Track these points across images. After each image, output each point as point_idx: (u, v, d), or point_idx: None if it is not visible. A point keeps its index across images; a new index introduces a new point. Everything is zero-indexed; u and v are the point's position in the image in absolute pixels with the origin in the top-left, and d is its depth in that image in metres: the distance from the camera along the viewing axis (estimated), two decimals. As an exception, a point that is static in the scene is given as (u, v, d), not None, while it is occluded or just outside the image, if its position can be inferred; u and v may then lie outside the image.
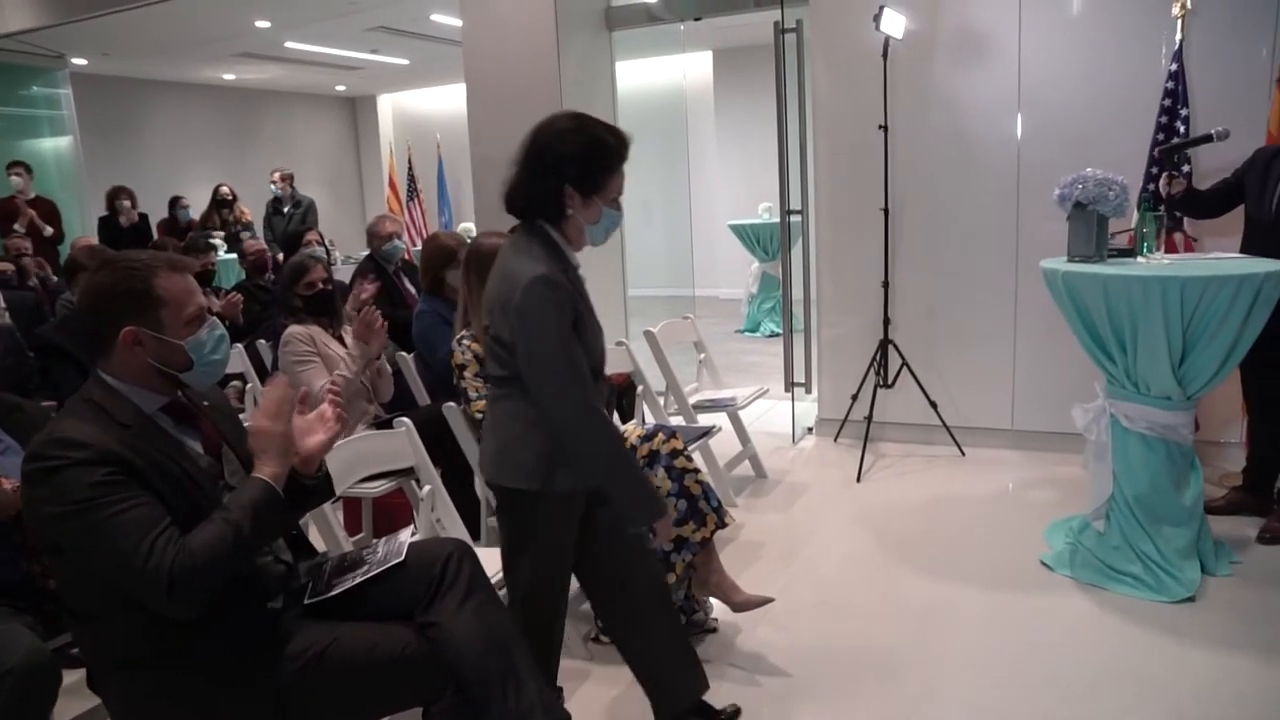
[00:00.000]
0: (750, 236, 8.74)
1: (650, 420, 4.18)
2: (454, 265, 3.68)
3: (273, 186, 8.19)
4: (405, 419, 2.89)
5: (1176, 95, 4.16)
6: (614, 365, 4.02)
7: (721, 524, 2.89)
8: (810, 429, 5.39)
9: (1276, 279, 3.01)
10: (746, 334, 8.90)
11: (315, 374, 3.44)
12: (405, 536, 2.04)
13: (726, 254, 10.08)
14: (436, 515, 2.81)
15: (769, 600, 2.87)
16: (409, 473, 3.03)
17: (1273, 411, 3.75)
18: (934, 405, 4.77)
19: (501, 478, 2.15)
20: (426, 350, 3.86)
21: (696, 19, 6.31)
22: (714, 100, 10.88)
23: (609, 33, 6.28)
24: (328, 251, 7.42)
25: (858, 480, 4.52)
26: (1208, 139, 3.58)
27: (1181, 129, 4.15)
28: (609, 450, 2.07)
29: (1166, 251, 3.79)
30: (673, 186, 8.04)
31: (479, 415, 2.89)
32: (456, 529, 2.79)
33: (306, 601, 1.93)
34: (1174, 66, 4.17)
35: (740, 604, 2.86)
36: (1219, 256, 3.49)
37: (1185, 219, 4.15)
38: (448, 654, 1.86)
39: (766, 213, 8.48)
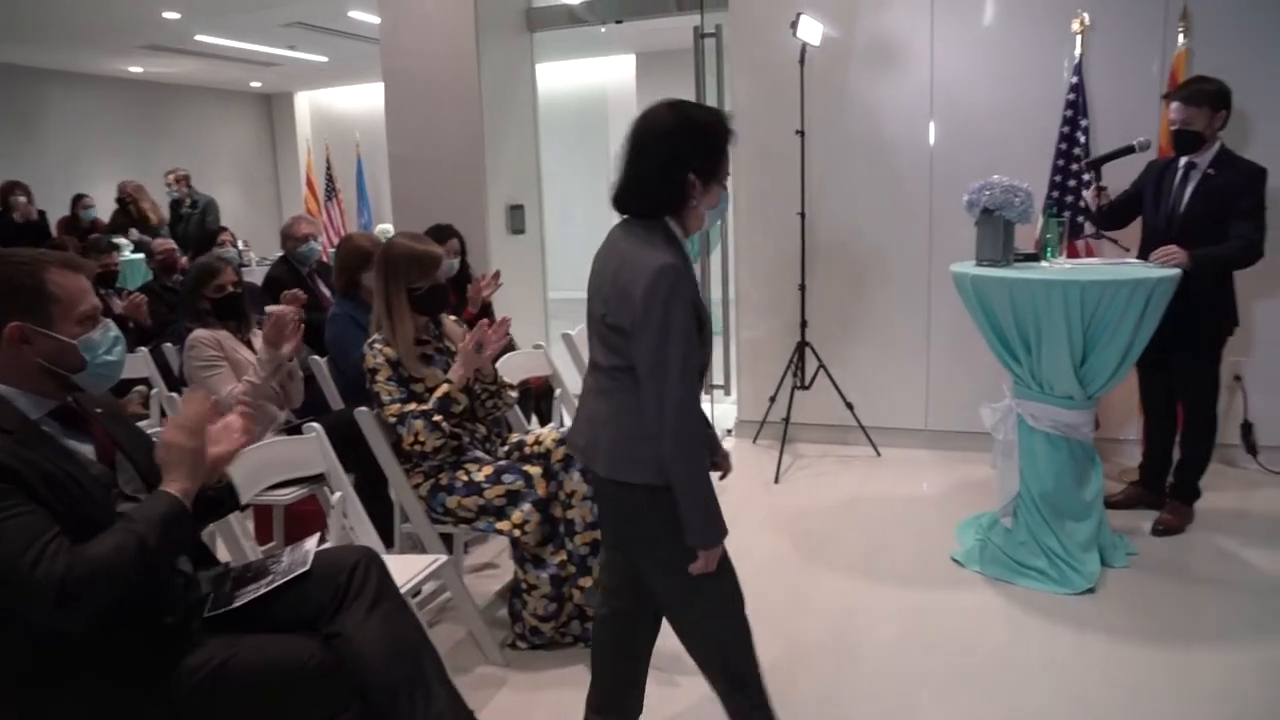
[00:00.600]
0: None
1: (569, 424, 4.16)
2: (369, 267, 3.61)
3: (167, 189, 7.82)
4: (315, 424, 2.82)
5: (1077, 106, 4.31)
6: (531, 369, 3.99)
7: (637, 526, 2.89)
8: (729, 431, 5.43)
9: (1167, 284, 3.15)
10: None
11: (222, 380, 3.34)
12: (311, 545, 1.99)
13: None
14: (349, 523, 2.75)
15: None
16: (321, 479, 2.96)
17: (1164, 410, 3.92)
18: (850, 406, 4.85)
19: (619, 473, 2.01)
20: (340, 354, 3.78)
21: (618, 22, 6.32)
22: (637, 103, 10.89)
23: (530, 34, 6.25)
24: (239, 253, 7.23)
25: (775, 481, 4.57)
26: (1130, 150, 3.71)
27: (1082, 139, 4.30)
28: (699, 458, 1.99)
29: (1069, 256, 3.92)
30: (594, 188, 8.04)
31: (391, 419, 2.84)
32: (368, 536, 2.74)
33: (207, 614, 1.87)
34: (1074, 79, 4.32)
35: None
36: (1117, 262, 3.62)
37: (1086, 224, 4.29)
38: (353, 664, 1.82)
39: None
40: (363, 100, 12.14)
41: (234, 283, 3.61)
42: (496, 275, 4.47)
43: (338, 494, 2.71)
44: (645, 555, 2.08)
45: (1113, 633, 2.99)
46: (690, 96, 5.01)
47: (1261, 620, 3.05)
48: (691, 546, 1.96)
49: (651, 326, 1.87)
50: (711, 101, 5.03)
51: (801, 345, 4.87)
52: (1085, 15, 4.33)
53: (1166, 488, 3.93)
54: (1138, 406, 4.27)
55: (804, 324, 4.88)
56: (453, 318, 3.27)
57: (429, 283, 2.98)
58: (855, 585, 3.41)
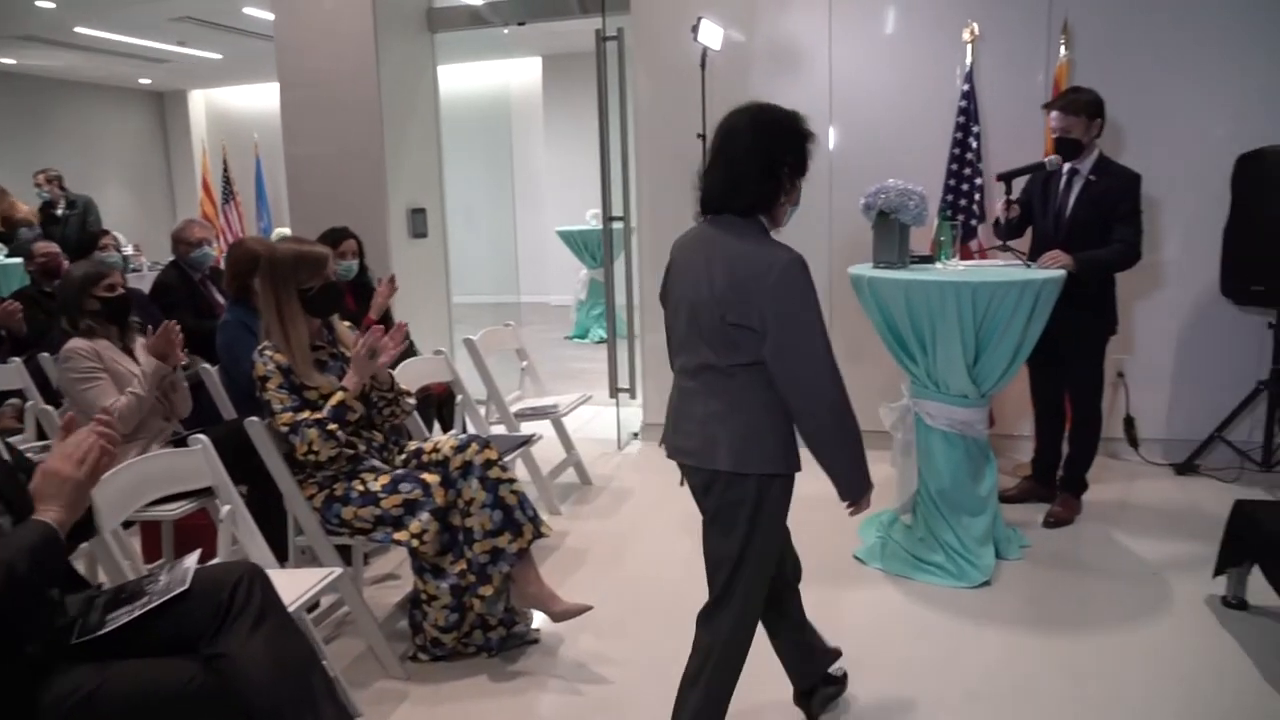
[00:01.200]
0: (579, 243, 8.75)
1: (472, 430, 4.09)
2: (262, 272, 3.49)
3: (37, 189, 7.25)
4: (201, 436, 2.70)
5: (969, 113, 4.43)
6: (432, 375, 3.91)
7: (538, 534, 2.85)
8: (636, 434, 5.43)
9: (1053, 284, 3.26)
10: (576, 340, 8.90)
11: (101, 392, 3.17)
12: (190, 563, 1.89)
13: (556, 260, 10.07)
14: (237, 538, 2.64)
15: (587, 608, 2.85)
16: (211, 492, 2.84)
17: (1054, 407, 4.06)
18: (754, 407, 4.89)
19: (747, 465, 2.07)
20: (231, 362, 3.65)
21: (521, 24, 6.27)
22: (543, 106, 10.86)
23: (431, 34, 6.15)
24: (127, 258, 6.92)
25: (681, 484, 4.54)
26: (1041, 168, 3.82)
27: (974, 144, 4.43)
28: (855, 430, 2.09)
29: (962, 258, 4.02)
30: (498, 192, 7.96)
31: (284, 429, 2.75)
32: (259, 550, 2.63)
33: (74, 641, 1.76)
34: (966, 87, 4.45)
35: (559, 614, 2.83)
36: (1006, 264, 3.73)
37: (979, 229, 4.42)
38: (237, 686, 1.74)
39: (594, 219, 8.52)
40: (262, 100, 11.76)
41: (122, 285, 3.45)
42: (391, 280, 4.36)
43: (226, 507, 2.60)
44: (728, 537, 2.16)
45: (1008, 624, 3.07)
46: (593, 100, 5.01)
47: (1143, 605, 3.18)
48: (850, 501, 2.21)
49: (794, 314, 1.97)
50: (614, 105, 5.02)
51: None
52: (975, 25, 4.46)
53: (1057, 481, 4.06)
54: (1030, 403, 4.41)
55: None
56: (347, 324, 3.17)
57: (320, 281, 2.89)
58: (760, 586, 3.43)
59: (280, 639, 1.80)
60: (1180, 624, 3.05)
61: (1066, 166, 3.76)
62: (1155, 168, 4.30)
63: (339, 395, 2.81)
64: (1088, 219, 3.69)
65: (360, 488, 2.81)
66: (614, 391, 5.25)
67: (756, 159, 2.05)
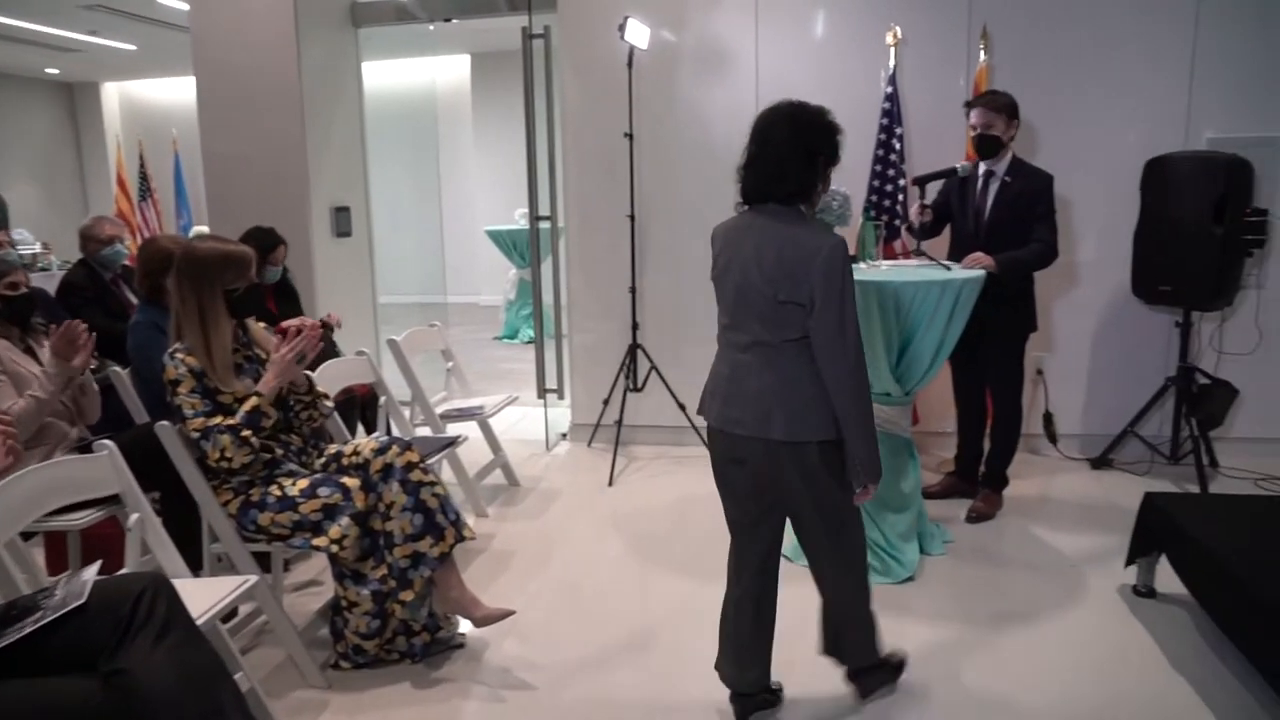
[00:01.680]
0: (507, 242, 8.67)
1: (396, 433, 4.02)
2: (175, 271, 3.37)
3: None
4: (107, 441, 2.60)
5: (892, 115, 4.50)
6: (355, 376, 3.83)
7: (461, 538, 2.80)
8: (564, 435, 5.39)
9: (974, 284, 3.32)
10: (505, 341, 8.82)
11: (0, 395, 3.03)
12: (89, 575, 1.81)
13: (486, 260, 9.97)
14: (148, 548, 2.54)
15: (510, 613, 2.81)
16: (120, 500, 2.73)
17: (976, 404, 4.14)
18: (682, 407, 4.90)
19: (802, 434, 2.23)
20: (143, 364, 3.52)
21: (447, 20, 6.18)
22: (472, 104, 10.74)
23: (355, 29, 6.03)
24: (31, 256, 6.65)
25: (610, 484, 4.56)
26: (953, 173, 3.89)
27: (898, 146, 4.49)
28: (870, 409, 2.26)
29: (886, 258, 4.07)
30: (424, 190, 7.84)
31: (195, 434, 2.65)
32: (170, 560, 2.54)
33: (-40, 660, 1.68)
34: (889, 89, 4.51)
35: (481, 618, 2.79)
36: (928, 264, 3.79)
37: (904, 231, 4.48)
38: (140, 702, 1.66)
39: (523, 219, 8.44)
40: (181, 94, 11.36)
41: (25, 284, 3.30)
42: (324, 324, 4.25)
43: (134, 516, 2.51)
44: (808, 503, 2.33)
45: (931, 618, 3.12)
46: (519, 98, 4.96)
47: (1060, 596, 3.26)
48: (866, 482, 2.28)
49: (836, 295, 2.15)
50: (541, 104, 4.98)
51: (633, 348, 4.89)
52: (897, 29, 4.52)
53: (979, 477, 4.14)
54: (953, 401, 4.49)
55: (635, 326, 4.90)
56: (262, 325, 3.08)
57: (245, 283, 2.81)
58: (688, 585, 3.43)
59: (185, 652, 1.73)
60: (1094, 613, 3.14)
61: (982, 169, 3.84)
62: (1070, 172, 4.43)
63: (254, 400, 2.73)
64: (1005, 219, 3.77)
65: (277, 493, 2.73)
66: (542, 392, 5.21)
67: (798, 152, 2.26)
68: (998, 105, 3.75)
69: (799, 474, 2.27)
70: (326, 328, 4.30)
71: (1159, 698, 2.63)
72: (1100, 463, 4.68)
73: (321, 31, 5.63)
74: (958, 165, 3.89)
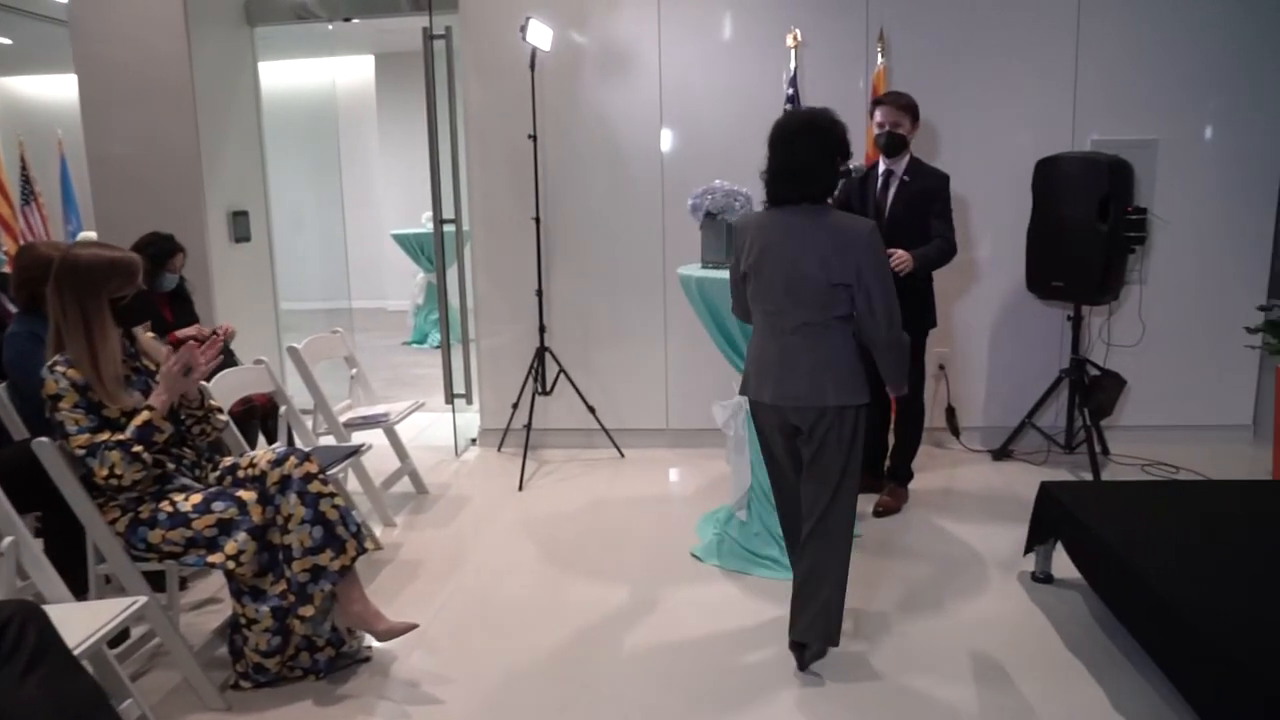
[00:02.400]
0: (414, 246, 8.54)
1: (299, 444, 3.91)
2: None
3: None
4: (-20, 459, 2.46)
5: (794, 116, 4.55)
6: (253, 385, 3.71)
7: (362, 550, 2.73)
8: (474, 440, 5.33)
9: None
10: (414, 346, 8.69)
11: None
12: (-46, 603, 1.71)
13: (393, 264, 9.79)
14: (26, 575, 2.42)
15: (414, 626, 2.75)
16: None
17: (878, 401, 4.20)
18: (592, 410, 4.89)
19: (850, 399, 2.63)
20: (21, 377, 3.33)
21: (347, 19, 6.05)
22: (377, 106, 10.54)
23: (250, 28, 5.85)
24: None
25: (520, 489, 4.52)
26: (848, 173, 3.93)
27: (799, 147, 4.54)
28: (904, 351, 2.74)
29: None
30: (327, 193, 7.64)
31: (80, 451, 2.52)
32: (49, 584, 2.41)
33: None
34: (790, 91, 4.57)
35: (384, 632, 2.72)
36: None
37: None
38: (10, 736, 1.58)
39: (430, 222, 8.30)
40: (67, 92, 10.88)
41: None
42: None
43: (7, 539, 2.37)
44: (839, 458, 2.66)
45: (838, 613, 3.16)
46: (422, 99, 4.88)
47: (964, 586, 3.34)
48: (898, 392, 2.87)
49: (880, 264, 2.60)
50: (444, 105, 4.90)
51: (541, 351, 4.85)
52: (797, 32, 4.59)
53: (884, 471, 4.22)
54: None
55: (543, 329, 4.87)
56: (151, 334, 2.96)
57: (133, 290, 2.69)
58: (599, 588, 3.41)
59: (60, 682, 1.64)
60: (995, 600, 3.22)
61: (882, 168, 3.92)
62: (967, 171, 4.57)
63: (145, 415, 2.60)
64: (906, 218, 3.86)
65: (169, 509, 2.62)
66: (449, 397, 5.13)
67: (824, 160, 2.61)
68: (903, 104, 3.84)
69: (840, 433, 2.65)
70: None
71: (1055, 679, 2.71)
72: (1001, 454, 4.82)
73: (214, 29, 5.44)
74: (851, 166, 3.96)
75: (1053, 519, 3.20)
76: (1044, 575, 3.34)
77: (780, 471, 2.88)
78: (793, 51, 4.59)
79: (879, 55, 4.58)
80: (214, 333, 3.86)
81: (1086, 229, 4.21)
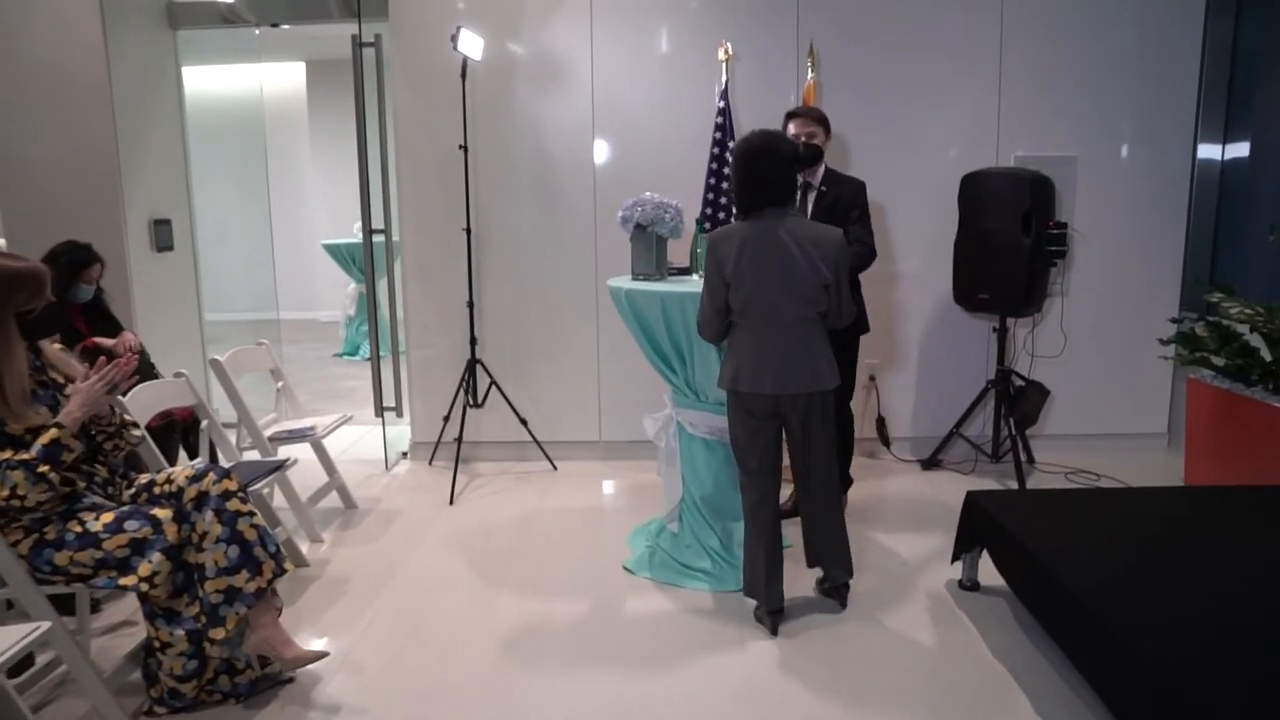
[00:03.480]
0: (345, 256, 8.41)
1: (222, 459, 3.80)
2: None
3: None
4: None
5: (725, 129, 4.58)
6: (174, 399, 3.60)
7: (281, 571, 2.65)
8: (405, 454, 5.25)
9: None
10: (345, 358, 8.54)
11: None
12: None
13: (324, 275, 9.63)
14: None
15: (324, 655, 2.68)
16: None
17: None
18: (524, 422, 4.85)
19: (832, 382, 3.05)
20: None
21: (275, 25, 5.95)
22: (308, 113, 10.37)
23: (172, 31, 5.71)
24: None
25: (451, 503, 4.46)
26: None
27: (730, 159, 4.57)
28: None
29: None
30: (253, 202, 7.49)
31: None
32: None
33: None
34: (722, 103, 4.59)
35: (292, 660, 2.63)
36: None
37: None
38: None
39: (361, 232, 8.19)
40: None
41: None
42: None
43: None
44: (826, 428, 3.11)
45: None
46: (351, 107, 4.80)
47: (892, 595, 3.37)
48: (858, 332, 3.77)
49: (847, 271, 3.06)
50: (373, 113, 4.83)
51: (473, 363, 4.80)
52: (729, 45, 4.62)
53: None
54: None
55: (474, 341, 4.82)
56: (58, 346, 2.85)
57: (42, 303, 2.59)
58: (531, 603, 3.37)
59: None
60: (923, 609, 3.26)
61: (800, 180, 3.94)
62: (896, 185, 4.66)
63: (53, 432, 2.49)
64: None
65: (77, 529, 2.52)
66: (379, 410, 5.04)
67: (785, 167, 2.98)
68: (816, 117, 3.90)
69: (826, 411, 3.09)
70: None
71: (980, 685, 2.75)
72: (930, 464, 4.90)
73: (133, 30, 5.30)
74: None
75: (978, 527, 3.25)
76: (971, 583, 3.39)
77: (761, 456, 3.10)
78: (724, 65, 4.62)
79: (809, 70, 4.64)
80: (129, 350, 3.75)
81: (1010, 242, 4.30)
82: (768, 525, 3.10)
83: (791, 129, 3.91)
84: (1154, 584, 2.55)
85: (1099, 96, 4.80)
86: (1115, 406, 5.08)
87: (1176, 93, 4.80)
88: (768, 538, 3.10)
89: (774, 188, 2.97)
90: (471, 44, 4.47)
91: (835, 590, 3.29)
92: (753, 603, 3.20)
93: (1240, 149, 4.84)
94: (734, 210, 3.16)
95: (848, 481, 4.22)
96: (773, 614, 3.11)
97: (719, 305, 3.00)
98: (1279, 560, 2.70)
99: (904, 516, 4.19)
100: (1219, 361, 4.15)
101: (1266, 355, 4.01)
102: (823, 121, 3.90)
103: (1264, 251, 4.31)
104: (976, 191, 4.44)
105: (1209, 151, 4.97)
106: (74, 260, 3.87)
